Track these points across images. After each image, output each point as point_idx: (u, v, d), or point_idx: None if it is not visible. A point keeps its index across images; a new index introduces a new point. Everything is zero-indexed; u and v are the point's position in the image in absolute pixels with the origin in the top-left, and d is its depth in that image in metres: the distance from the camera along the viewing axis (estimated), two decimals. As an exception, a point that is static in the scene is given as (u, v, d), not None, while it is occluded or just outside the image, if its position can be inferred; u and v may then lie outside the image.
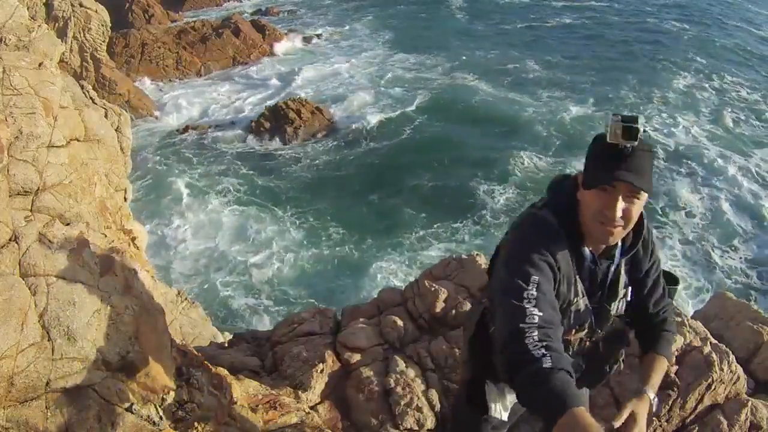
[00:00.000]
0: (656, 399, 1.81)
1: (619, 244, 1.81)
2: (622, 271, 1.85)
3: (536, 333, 1.48)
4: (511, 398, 2.11)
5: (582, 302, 1.77)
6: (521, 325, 1.50)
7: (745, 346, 4.37)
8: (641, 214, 1.73)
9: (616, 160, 1.57)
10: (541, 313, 1.52)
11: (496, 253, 1.92)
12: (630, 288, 1.90)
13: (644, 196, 1.62)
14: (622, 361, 2.12)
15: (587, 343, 1.94)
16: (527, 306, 1.53)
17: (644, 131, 1.57)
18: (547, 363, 1.43)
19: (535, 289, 1.56)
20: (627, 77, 22.85)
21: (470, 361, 2.14)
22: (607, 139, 1.57)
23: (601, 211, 1.62)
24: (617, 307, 1.89)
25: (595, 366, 2.02)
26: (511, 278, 1.62)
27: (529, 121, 19.31)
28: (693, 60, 24.68)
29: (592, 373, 2.04)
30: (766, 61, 25.14)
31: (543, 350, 1.45)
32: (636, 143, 1.55)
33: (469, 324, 2.19)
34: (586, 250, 1.76)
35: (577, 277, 1.75)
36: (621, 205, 1.60)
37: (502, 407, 2.09)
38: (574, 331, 1.85)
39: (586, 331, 1.87)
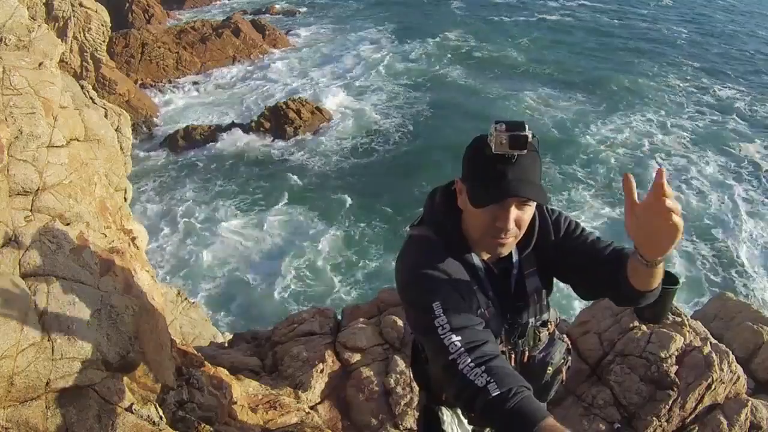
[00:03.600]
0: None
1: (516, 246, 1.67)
2: (527, 273, 1.72)
3: (468, 359, 1.37)
4: (470, 426, 1.96)
5: (488, 313, 1.62)
6: (449, 358, 1.39)
7: (745, 346, 4.38)
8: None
9: (502, 172, 1.43)
10: (459, 337, 1.41)
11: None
12: (545, 291, 1.77)
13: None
14: (565, 371, 1.96)
15: (513, 355, 1.79)
16: (443, 335, 1.42)
17: (533, 136, 1.42)
18: (494, 390, 1.31)
19: (442, 314, 1.45)
20: (618, 74, 23.14)
21: (420, 391, 2.03)
22: (492, 150, 1.42)
23: (492, 225, 1.51)
24: (533, 312, 1.74)
25: (532, 381, 1.78)
26: (415, 313, 1.54)
27: (530, 117, 19.37)
28: (684, 62, 24.96)
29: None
30: (757, 66, 25.36)
31: (484, 375, 1.34)
32: (525, 152, 1.41)
33: (408, 351, 2.11)
34: (475, 258, 1.64)
35: (476, 287, 1.62)
36: (513, 215, 1.49)
37: None
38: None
39: (502, 343, 1.71)
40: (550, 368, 1.88)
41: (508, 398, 1.30)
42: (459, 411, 1.90)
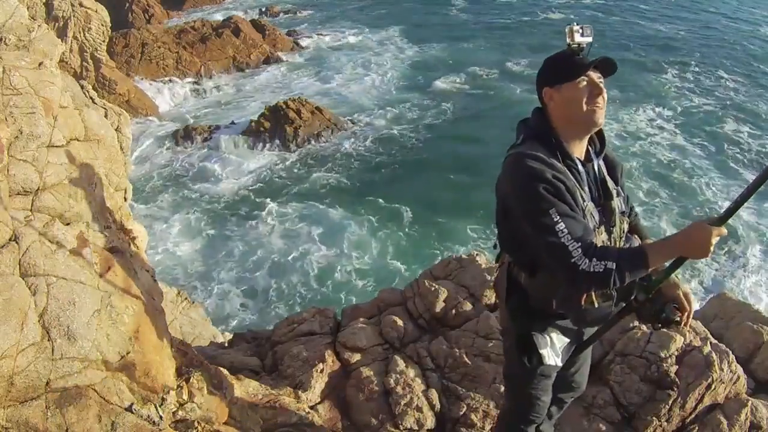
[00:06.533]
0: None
1: (592, 148, 2.07)
2: (604, 171, 2.08)
3: (573, 241, 1.77)
4: (559, 344, 2.23)
5: (590, 205, 1.96)
6: (561, 240, 1.77)
7: (745, 345, 4.38)
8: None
9: (582, 58, 1.92)
10: (571, 227, 1.79)
11: (498, 204, 2.07)
12: (619, 186, 2.11)
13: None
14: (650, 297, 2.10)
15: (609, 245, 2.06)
16: (561, 233, 1.78)
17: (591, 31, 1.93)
18: (593, 240, 1.80)
19: (559, 220, 1.78)
20: (618, 75, 23.13)
21: (514, 321, 2.25)
22: (567, 40, 1.92)
23: (591, 93, 1.90)
24: (618, 204, 2.08)
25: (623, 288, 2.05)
26: (534, 217, 1.83)
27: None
28: (684, 59, 24.97)
29: (620, 294, 2.09)
30: (756, 60, 25.39)
31: (580, 241, 1.77)
32: (590, 39, 1.92)
33: (499, 288, 2.32)
34: (574, 155, 1.96)
35: (578, 185, 1.93)
36: (602, 83, 1.92)
37: (554, 353, 2.22)
38: (594, 235, 1.99)
39: (603, 234, 2.01)
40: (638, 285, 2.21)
41: (608, 245, 1.91)
42: (550, 333, 2.19)
